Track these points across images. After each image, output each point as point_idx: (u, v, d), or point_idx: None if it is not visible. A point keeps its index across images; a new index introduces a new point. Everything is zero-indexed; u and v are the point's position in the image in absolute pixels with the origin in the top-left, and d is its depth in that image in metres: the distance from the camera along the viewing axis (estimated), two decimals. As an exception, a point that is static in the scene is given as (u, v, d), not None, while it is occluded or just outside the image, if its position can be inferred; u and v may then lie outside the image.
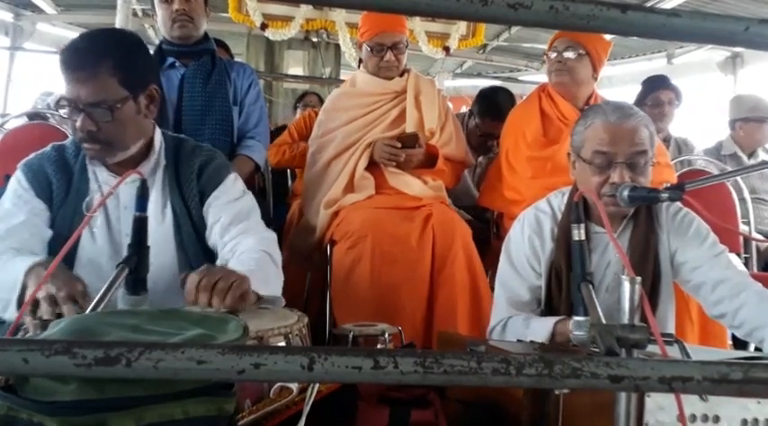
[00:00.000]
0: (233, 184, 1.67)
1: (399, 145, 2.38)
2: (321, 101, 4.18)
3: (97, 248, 1.56)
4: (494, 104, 3.18)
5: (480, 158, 3.20)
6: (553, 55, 2.38)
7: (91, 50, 1.45)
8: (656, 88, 3.44)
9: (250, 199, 1.70)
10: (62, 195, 1.56)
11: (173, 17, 2.38)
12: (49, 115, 3.60)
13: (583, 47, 2.34)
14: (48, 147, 1.63)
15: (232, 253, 1.56)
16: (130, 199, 1.54)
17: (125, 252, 1.51)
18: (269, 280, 1.48)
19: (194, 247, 1.62)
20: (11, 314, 1.35)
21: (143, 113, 1.54)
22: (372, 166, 2.44)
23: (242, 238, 1.58)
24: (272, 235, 1.66)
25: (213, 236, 1.62)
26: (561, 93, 2.42)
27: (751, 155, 3.63)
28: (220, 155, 1.73)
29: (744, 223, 2.99)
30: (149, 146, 1.61)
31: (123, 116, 1.48)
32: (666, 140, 3.52)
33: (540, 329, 1.60)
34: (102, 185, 1.58)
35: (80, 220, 1.53)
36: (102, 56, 1.44)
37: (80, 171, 1.58)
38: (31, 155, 1.61)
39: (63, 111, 1.49)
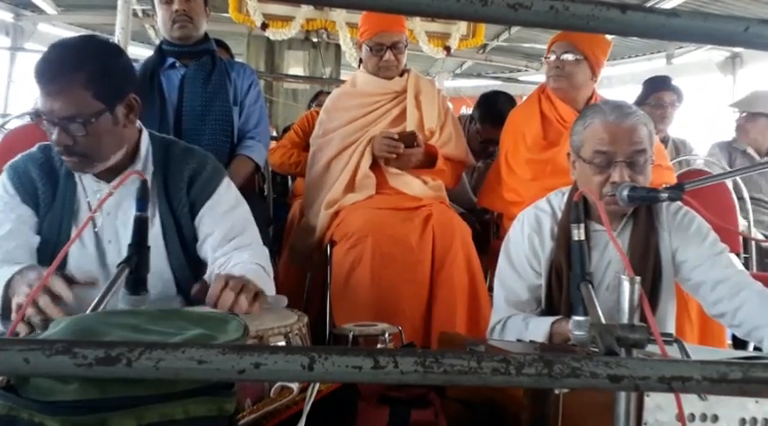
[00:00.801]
0: (226, 192, 1.63)
1: (397, 137, 2.38)
2: None
3: (85, 252, 1.54)
4: (495, 110, 3.17)
5: (479, 163, 3.19)
6: (551, 58, 2.38)
7: (62, 63, 1.39)
8: (658, 89, 3.43)
9: (245, 210, 1.66)
10: (48, 200, 1.53)
11: (172, 17, 2.38)
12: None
13: (580, 51, 2.33)
14: (34, 148, 1.59)
15: (222, 268, 1.53)
16: (114, 206, 1.54)
17: (109, 259, 1.53)
18: (265, 289, 1.49)
19: (178, 257, 1.58)
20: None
21: (122, 124, 1.48)
22: (372, 166, 2.44)
23: (235, 253, 1.56)
24: (265, 251, 1.64)
25: (205, 249, 1.59)
26: (560, 97, 2.42)
27: (766, 154, 3.58)
28: (212, 160, 1.67)
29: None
30: (134, 152, 1.57)
31: (99, 129, 1.43)
32: (665, 141, 3.51)
33: (538, 329, 1.60)
34: (88, 190, 1.55)
35: (68, 226, 1.52)
36: (75, 69, 1.38)
37: (66, 176, 1.55)
38: (17, 157, 1.57)
39: (40, 123, 1.45)
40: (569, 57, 2.33)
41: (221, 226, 1.58)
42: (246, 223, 1.64)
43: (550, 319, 1.60)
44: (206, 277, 1.56)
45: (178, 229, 1.58)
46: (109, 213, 1.54)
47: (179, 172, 1.59)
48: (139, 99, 1.53)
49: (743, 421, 1.01)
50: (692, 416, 1.00)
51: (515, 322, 1.68)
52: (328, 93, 4.24)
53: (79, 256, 1.54)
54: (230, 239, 1.58)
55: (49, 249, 1.50)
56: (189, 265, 1.60)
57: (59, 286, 1.23)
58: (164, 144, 1.64)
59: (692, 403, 0.99)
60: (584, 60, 2.35)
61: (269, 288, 1.52)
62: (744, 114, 3.57)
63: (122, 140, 1.52)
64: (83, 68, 1.39)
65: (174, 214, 1.58)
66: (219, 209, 1.60)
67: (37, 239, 1.52)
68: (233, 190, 1.67)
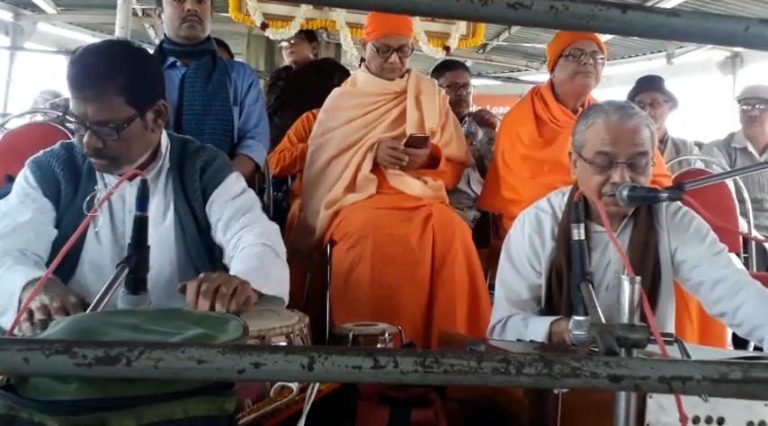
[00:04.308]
0: (234, 182, 1.68)
1: (402, 148, 2.38)
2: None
3: (101, 249, 1.56)
4: (438, 67, 3.22)
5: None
6: (577, 56, 2.35)
7: (98, 69, 1.43)
8: (639, 92, 3.43)
9: (251, 194, 1.70)
10: (70, 196, 1.56)
11: (183, 16, 2.38)
12: (49, 115, 3.60)
13: (602, 51, 2.37)
14: (57, 145, 1.62)
15: (236, 249, 1.56)
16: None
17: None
18: (271, 277, 1.48)
19: (198, 248, 1.62)
20: (6, 321, 1.36)
21: (150, 128, 1.54)
22: (373, 166, 2.43)
23: (243, 232, 1.58)
24: (275, 227, 1.67)
25: (218, 235, 1.63)
26: (573, 96, 2.42)
27: (763, 151, 3.55)
28: (223, 155, 1.73)
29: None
30: (156, 151, 1.62)
31: (130, 134, 1.48)
32: (664, 141, 3.50)
33: (537, 329, 1.60)
34: (109, 187, 1.58)
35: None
36: (110, 75, 1.43)
37: (87, 173, 1.58)
38: (40, 153, 1.60)
39: (71, 125, 1.50)
40: (599, 56, 2.36)
41: (229, 209, 1.62)
42: (254, 204, 1.68)
43: (549, 319, 1.60)
44: (225, 260, 1.60)
45: (194, 218, 1.62)
46: (131, 210, 1.55)
47: (192, 164, 1.65)
48: (167, 104, 1.58)
49: (750, 424, 1.00)
50: (697, 418, 0.99)
51: (515, 321, 1.69)
52: None
53: (95, 251, 1.56)
54: (239, 218, 1.61)
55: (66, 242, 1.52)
56: (207, 252, 1.64)
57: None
58: (180, 141, 1.69)
59: (697, 405, 0.98)
60: (604, 60, 2.39)
61: (278, 268, 1.54)
62: (761, 106, 3.52)
63: (149, 144, 1.58)
64: (118, 75, 1.43)
65: (189, 203, 1.62)
66: (227, 196, 1.64)
67: (55, 233, 1.55)
68: (241, 181, 1.72)
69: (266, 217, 1.69)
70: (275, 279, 1.49)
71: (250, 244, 1.54)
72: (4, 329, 1.37)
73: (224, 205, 1.63)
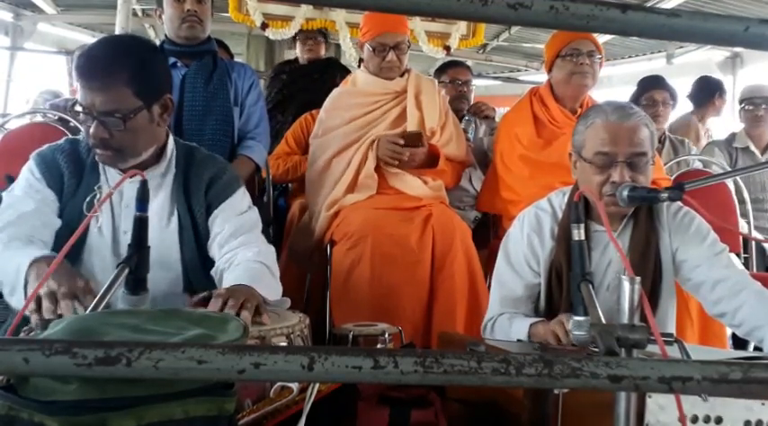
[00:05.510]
0: (240, 199, 1.69)
1: (402, 142, 2.38)
2: None
3: (103, 241, 1.58)
4: None
5: None
6: (574, 56, 2.36)
7: (107, 60, 1.46)
8: (650, 88, 3.42)
9: (254, 214, 1.71)
10: (73, 188, 1.58)
11: (182, 16, 2.38)
12: (50, 115, 3.59)
13: (599, 51, 2.38)
14: (62, 140, 1.64)
15: (228, 264, 1.57)
16: (132, 198, 1.56)
17: (124, 250, 1.55)
18: (270, 290, 1.50)
19: (192, 254, 1.63)
20: (17, 300, 1.38)
21: (156, 122, 1.55)
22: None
23: (241, 250, 1.59)
24: (271, 249, 1.68)
25: (213, 247, 1.64)
26: (570, 96, 2.42)
27: (765, 150, 3.52)
28: (231, 169, 1.74)
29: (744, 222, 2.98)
30: (161, 151, 1.63)
31: (136, 125, 1.49)
32: (662, 141, 3.50)
33: (519, 330, 1.62)
34: (111, 182, 1.59)
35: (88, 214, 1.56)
36: (119, 66, 1.45)
37: (91, 167, 1.60)
38: (44, 147, 1.62)
39: (78, 116, 1.51)
40: (596, 56, 2.36)
41: (230, 225, 1.63)
42: (255, 225, 1.69)
43: (530, 320, 1.61)
44: (213, 272, 1.61)
45: (195, 228, 1.63)
46: (127, 206, 1.57)
47: (199, 174, 1.66)
48: (173, 100, 1.60)
49: (748, 423, 1.00)
50: (696, 418, 0.99)
51: (502, 321, 1.71)
52: None
53: (96, 242, 1.58)
54: (238, 236, 1.61)
55: (69, 234, 1.53)
56: (202, 263, 1.64)
57: (88, 302, 1.25)
58: (186, 148, 1.71)
59: (695, 404, 0.99)
60: (600, 59, 2.39)
61: (274, 287, 1.55)
62: (765, 105, 3.47)
63: (154, 138, 1.59)
64: (126, 66, 1.46)
65: (191, 213, 1.63)
66: (232, 212, 1.65)
67: (58, 222, 1.56)
68: (247, 198, 1.73)
69: (264, 239, 1.70)
70: (273, 297, 1.51)
71: (248, 259, 1.55)
72: (16, 309, 1.39)
73: (226, 220, 1.63)
